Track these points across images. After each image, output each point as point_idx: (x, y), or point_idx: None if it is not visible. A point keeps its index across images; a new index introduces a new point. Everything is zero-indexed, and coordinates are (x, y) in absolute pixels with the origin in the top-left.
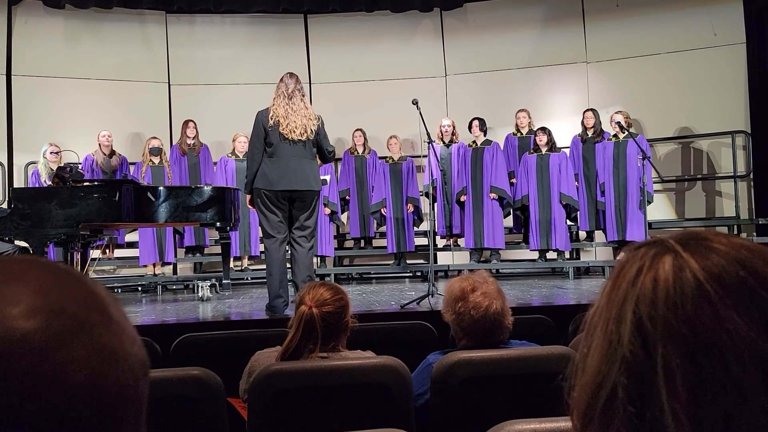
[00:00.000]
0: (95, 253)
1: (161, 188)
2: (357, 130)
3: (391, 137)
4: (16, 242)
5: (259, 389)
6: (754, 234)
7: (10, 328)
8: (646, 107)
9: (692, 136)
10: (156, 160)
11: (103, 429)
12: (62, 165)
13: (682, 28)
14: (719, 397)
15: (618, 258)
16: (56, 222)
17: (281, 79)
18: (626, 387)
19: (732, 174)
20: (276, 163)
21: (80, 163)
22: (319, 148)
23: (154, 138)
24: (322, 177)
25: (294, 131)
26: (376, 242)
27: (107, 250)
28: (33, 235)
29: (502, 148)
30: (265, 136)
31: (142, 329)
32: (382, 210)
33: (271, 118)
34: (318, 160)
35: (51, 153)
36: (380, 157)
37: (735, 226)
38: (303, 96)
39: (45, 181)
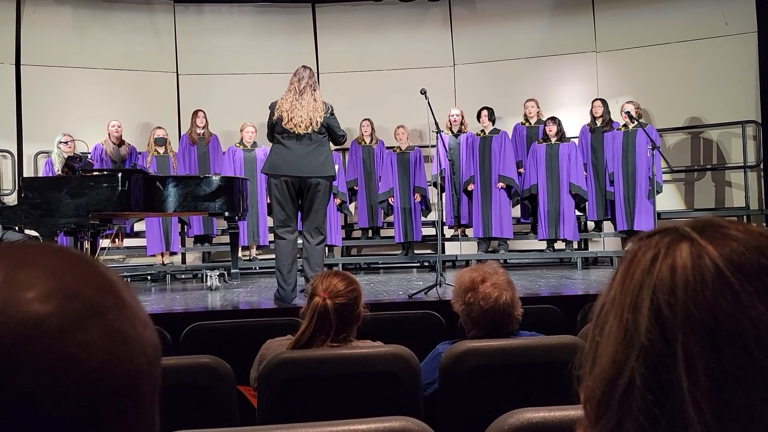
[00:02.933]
0: (105, 243)
1: (170, 178)
2: (364, 119)
3: (398, 127)
4: (27, 232)
5: (268, 377)
6: (764, 225)
7: (27, 312)
8: (656, 97)
9: (702, 126)
10: (161, 150)
11: (119, 410)
12: (72, 155)
13: (693, 18)
14: (742, 386)
15: (627, 246)
16: (66, 211)
17: (295, 72)
18: (644, 376)
19: (742, 164)
20: (283, 152)
21: (89, 153)
22: (331, 133)
23: (159, 128)
24: None
25: (299, 126)
26: (383, 232)
27: (116, 240)
28: (43, 225)
29: (510, 138)
30: (274, 126)
31: (152, 318)
32: (389, 200)
33: (277, 111)
34: (331, 145)
35: (62, 142)
36: (388, 147)
37: (745, 217)
38: (314, 90)
39: (58, 171)
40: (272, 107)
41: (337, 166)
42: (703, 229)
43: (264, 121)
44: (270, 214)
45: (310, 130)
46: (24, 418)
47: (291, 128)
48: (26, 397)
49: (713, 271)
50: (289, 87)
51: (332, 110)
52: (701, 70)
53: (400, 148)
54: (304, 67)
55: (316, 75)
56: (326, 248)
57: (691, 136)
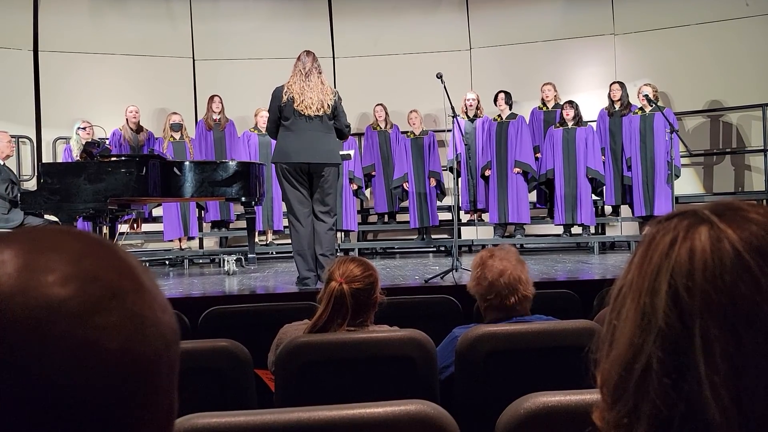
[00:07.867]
0: (123, 228)
1: (187, 163)
2: (377, 104)
3: (411, 111)
4: (46, 217)
5: (286, 361)
6: None
7: (47, 295)
8: (675, 80)
9: (722, 109)
10: (177, 135)
11: (138, 393)
12: (90, 140)
13: None
14: (760, 370)
15: (645, 230)
16: (85, 197)
17: (298, 58)
18: (661, 359)
19: (762, 147)
20: (292, 136)
21: (107, 139)
22: (337, 122)
23: (175, 113)
24: (346, 152)
25: (310, 107)
26: (399, 217)
27: (135, 225)
28: (62, 210)
29: (527, 122)
30: (281, 111)
31: (170, 302)
32: (403, 185)
33: (285, 94)
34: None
35: (81, 128)
36: (403, 132)
37: (764, 200)
38: (320, 73)
39: (76, 157)
40: (278, 92)
41: (353, 151)
42: (722, 212)
43: None
44: (284, 200)
45: (321, 113)
46: (44, 401)
47: (302, 110)
48: (46, 379)
49: (732, 254)
50: (294, 71)
51: (339, 95)
52: (721, 53)
53: (413, 133)
54: (306, 52)
55: (319, 61)
56: (339, 233)
57: (711, 119)
